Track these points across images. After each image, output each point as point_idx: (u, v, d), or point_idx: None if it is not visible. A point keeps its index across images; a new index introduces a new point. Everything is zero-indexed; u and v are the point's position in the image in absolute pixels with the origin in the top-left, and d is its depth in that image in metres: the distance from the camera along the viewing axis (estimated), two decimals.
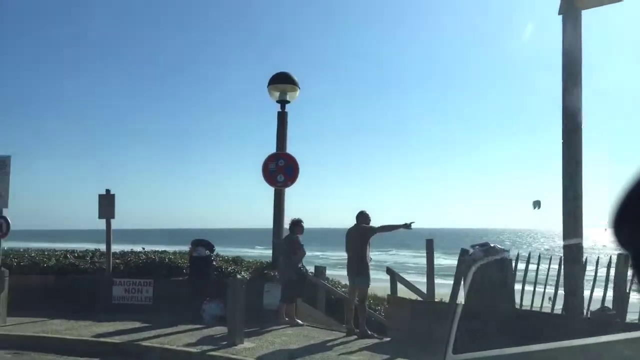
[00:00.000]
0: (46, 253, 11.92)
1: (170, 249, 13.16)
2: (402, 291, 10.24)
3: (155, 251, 11.82)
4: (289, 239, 9.19)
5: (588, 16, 6.73)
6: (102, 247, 11.21)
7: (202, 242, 9.69)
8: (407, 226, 8.00)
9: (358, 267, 8.05)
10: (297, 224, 9.13)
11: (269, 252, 11.48)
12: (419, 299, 9.74)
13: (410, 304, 8.47)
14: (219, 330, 8.19)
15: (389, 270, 10.42)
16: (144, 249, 12.19)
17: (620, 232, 0.93)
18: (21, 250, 12.56)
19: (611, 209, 0.92)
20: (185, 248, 10.98)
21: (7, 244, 11.43)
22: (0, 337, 8.09)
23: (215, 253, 10.26)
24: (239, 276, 9.53)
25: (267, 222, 11.15)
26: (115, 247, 11.36)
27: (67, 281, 10.50)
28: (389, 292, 9.79)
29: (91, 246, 13.43)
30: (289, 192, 10.79)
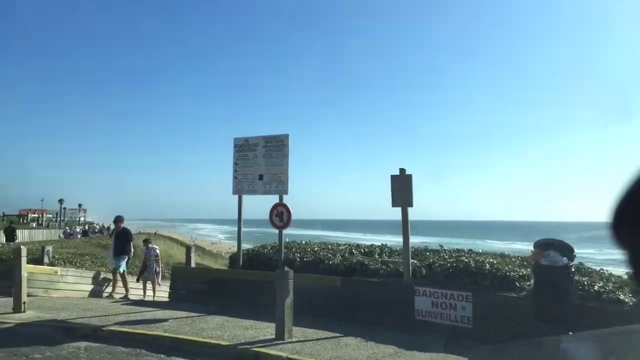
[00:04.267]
0: (330, 247, 10.17)
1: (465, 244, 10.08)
2: None
3: (469, 252, 8.86)
4: None
5: None
6: (385, 239, 8.78)
7: (555, 244, 6.21)
8: None
9: None
10: None
11: None
12: None
13: None
14: None
15: None
16: (441, 246, 9.41)
17: (618, 231, 0.92)
18: (303, 242, 11.15)
19: (610, 208, 0.92)
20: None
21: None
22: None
23: (575, 262, 6.63)
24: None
25: None
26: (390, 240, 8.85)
27: (355, 284, 8.41)
28: None
29: (365, 237, 11.34)
30: None
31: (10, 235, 30.63)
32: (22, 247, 8.69)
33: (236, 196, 10.14)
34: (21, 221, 51.45)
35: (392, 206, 8.16)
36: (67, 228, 47.30)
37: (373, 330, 7.34)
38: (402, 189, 8.06)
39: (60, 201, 49.13)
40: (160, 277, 13.32)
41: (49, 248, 11.57)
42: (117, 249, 11.67)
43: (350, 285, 8.34)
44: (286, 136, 9.68)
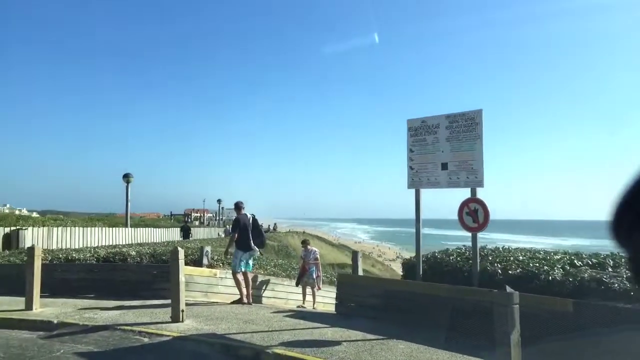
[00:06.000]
0: (540, 256, 7.75)
1: None
2: None
3: None
4: None
5: None
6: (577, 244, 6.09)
7: None
8: None
9: None
10: None
11: None
12: None
13: None
14: None
15: None
16: None
17: (619, 231, 0.91)
18: (501, 249, 8.79)
19: (610, 208, 0.92)
20: None
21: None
22: None
23: None
24: None
25: None
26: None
27: (595, 311, 5.95)
28: None
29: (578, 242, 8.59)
30: None
31: (186, 234, 32.75)
32: (179, 248, 7.84)
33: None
34: (186, 220, 56.01)
35: None
36: (227, 226, 50.10)
37: None
38: None
39: (219, 201, 52.35)
40: (320, 281, 12.09)
41: (208, 248, 10.89)
42: (255, 241, 9.82)
43: (588, 312, 5.93)
44: (479, 112, 7.54)
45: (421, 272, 8.06)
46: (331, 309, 13.05)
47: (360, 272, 9.36)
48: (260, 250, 10.28)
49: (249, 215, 10.02)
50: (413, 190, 8.23)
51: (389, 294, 7.97)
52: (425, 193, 8.20)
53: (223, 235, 40.66)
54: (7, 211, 40.04)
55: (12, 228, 19.13)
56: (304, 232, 60.33)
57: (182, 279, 7.68)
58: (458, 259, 8.10)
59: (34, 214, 39.64)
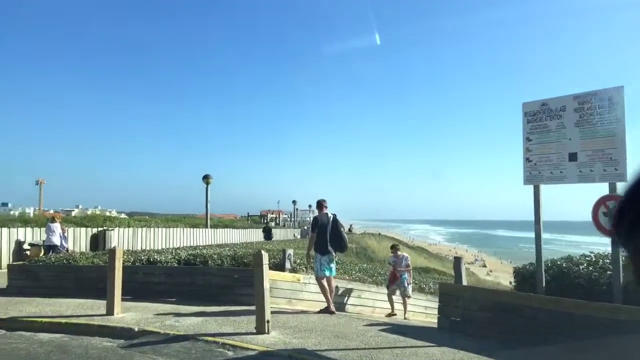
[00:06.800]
0: None
1: None
2: None
3: None
4: None
5: None
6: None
7: None
8: None
9: None
10: None
11: None
12: None
13: None
14: None
15: None
16: None
17: (620, 229, 0.91)
18: None
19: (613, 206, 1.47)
20: None
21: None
22: None
23: None
24: None
25: None
26: None
27: None
28: None
29: None
30: None
31: (268, 235, 32.80)
32: (262, 252, 7.12)
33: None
34: (262, 221, 56.63)
35: None
36: (305, 227, 50.00)
37: None
38: None
39: (294, 202, 52.39)
40: (410, 288, 11.03)
41: (290, 251, 10.17)
42: (332, 243, 8.90)
43: None
44: (619, 89, 6.17)
45: (544, 284, 6.79)
46: (422, 318, 11.95)
47: (464, 282, 8.20)
48: (337, 254, 9.32)
49: (329, 215, 9.14)
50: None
51: (502, 308, 6.75)
52: (510, 191, 6.93)
53: (299, 237, 40.46)
54: (97, 213, 42.24)
55: (99, 229, 19.67)
56: (379, 234, 59.04)
57: (266, 286, 6.95)
58: (590, 268, 6.71)
59: (122, 216, 41.48)
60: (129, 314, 8.04)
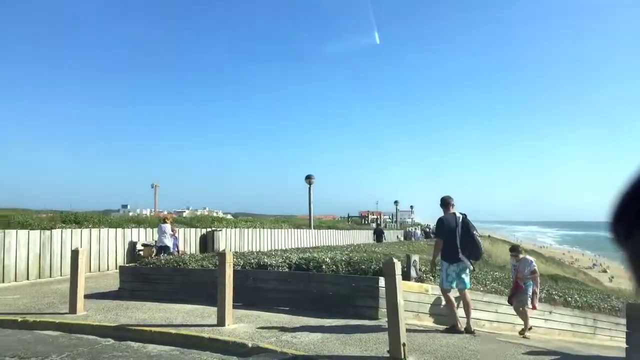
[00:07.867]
0: None
1: None
2: None
3: None
4: None
5: None
6: None
7: None
8: None
9: None
10: None
11: None
12: None
13: None
14: None
15: None
16: None
17: (618, 230, 0.87)
18: None
19: (610, 206, 0.88)
20: None
21: None
22: None
23: None
24: None
25: None
26: None
27: None
28: None
29: None
30: None
31: (379, 237, 31.80)
32: (394, 260, 5.91)
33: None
34: (362, 222, 55.55)
35: None
36: (408, 229, 48.16)
37: None
38: None
39: (396, 202, 50.65)
40: (536, 298, 9.05)
41: (415, 257, 8.84)
42: (464, 250, 7.47)
43: None
44: None
45: None
46: (568, 337, 10.02)
47: None
48: (473, 263, 7.80)
49: (458, 215, 7.63)
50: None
51: None
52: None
53: (402, 239, 38.80)
54: (205, 213, 43.82)
55: (208, 229, 19.74)
56: (489, 236, 55.35)
57: (401, 301, 5.73)
58: None
59: (228, 216, 42.62)
60: (240, 324, 7.24)
